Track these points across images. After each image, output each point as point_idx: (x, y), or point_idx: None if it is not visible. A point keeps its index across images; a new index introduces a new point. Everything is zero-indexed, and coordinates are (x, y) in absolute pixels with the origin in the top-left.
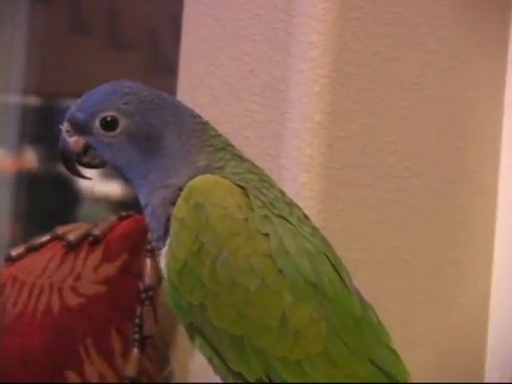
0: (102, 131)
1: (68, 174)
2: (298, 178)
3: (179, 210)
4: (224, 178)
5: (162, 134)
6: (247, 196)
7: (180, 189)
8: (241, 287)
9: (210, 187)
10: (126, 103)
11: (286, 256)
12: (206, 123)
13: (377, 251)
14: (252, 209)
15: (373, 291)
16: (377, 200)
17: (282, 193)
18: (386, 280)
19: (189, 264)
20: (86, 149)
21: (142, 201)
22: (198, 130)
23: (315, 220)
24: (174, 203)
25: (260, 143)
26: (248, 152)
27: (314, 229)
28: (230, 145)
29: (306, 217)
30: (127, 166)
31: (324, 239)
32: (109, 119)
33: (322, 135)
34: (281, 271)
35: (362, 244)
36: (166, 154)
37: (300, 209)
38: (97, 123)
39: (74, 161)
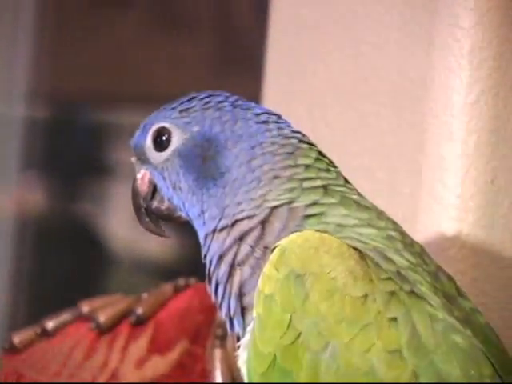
0: (154, 153)
1: (94, 220)
2: (446, 231)
3: (266, 283)
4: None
5: (223, 154)
6: (366, 262)
7: (236, 237)
8: None
9: (311, 249)
10: (183, 111)
11: (423, 354)
12: (301, 147)
13: None
14: (372, 281)
15: None
16: None
17: (423, 257)
18: None
19: (279, 363)
20: (155, 187)
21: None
22: (281, 153)
23: (468, 294)
24: (238, 261)
25: (387, 176)
26: (368, 190)
27: (473, 312)
28: (343, 185)
29: (460, 294)
30: (184, 203)
31: (488, 328)
32: (158, 133)
33: (480, 165)
34: (416, 376)
35: None
36: (223, 183)
37: (452, 281)
38: (148, 141)
39: (142, 208)
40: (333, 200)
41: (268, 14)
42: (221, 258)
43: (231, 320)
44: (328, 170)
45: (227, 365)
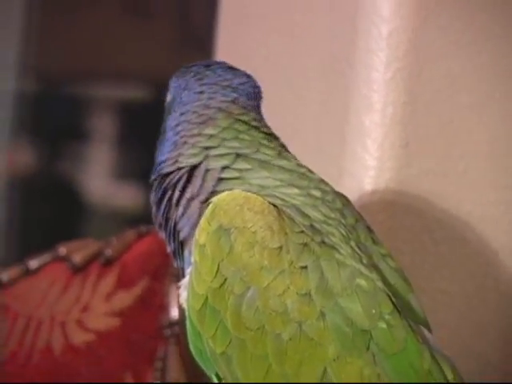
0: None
1: (74, 178)
2: (364, 187)
3: (201, 234)
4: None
5: (170, 116)
6: (282, 218)
7: (167, 186)
8: (272, 335)
9: (237, 206)
10: (178, 76)
11: (329, 295)
12: (215, 118)
13: (465, 283)
14: (286, 234)
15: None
16: (467, 215)
17: (343, 211)
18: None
19: (210, 302)
20: None
21: None
22: (195, 122)
23: (385, 240)
24: (173, 204)
25: (316, 142)
26: (299, 154)
27: (384, 258)
28: (258, 152)
29: (375, 242)
30: None
31: (397, 271)
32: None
33: (396, 132)
34: (323, 315)
35: (449, 273)
36: (162, 142)
37: (370, 231)
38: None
39: None
40: (248, 166)
41: (218, 9)
42: (158, 203)
43: (175, 255)
44: (238, 139)
45: None
